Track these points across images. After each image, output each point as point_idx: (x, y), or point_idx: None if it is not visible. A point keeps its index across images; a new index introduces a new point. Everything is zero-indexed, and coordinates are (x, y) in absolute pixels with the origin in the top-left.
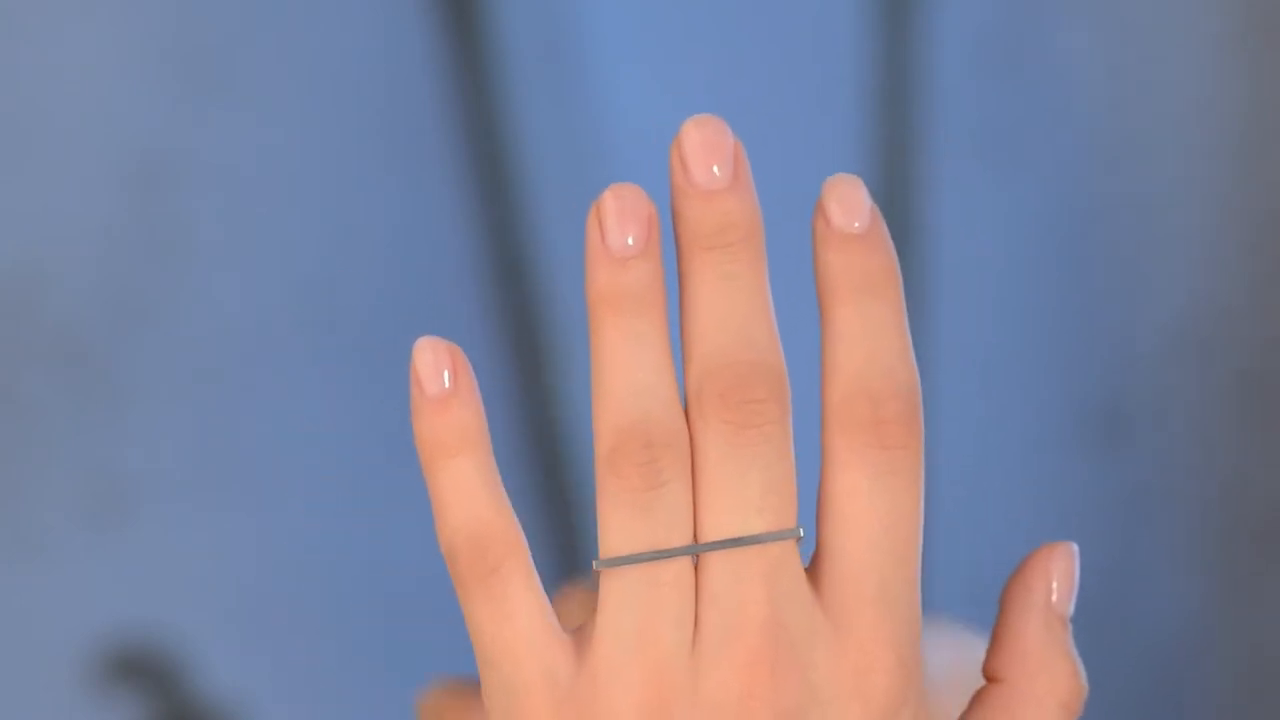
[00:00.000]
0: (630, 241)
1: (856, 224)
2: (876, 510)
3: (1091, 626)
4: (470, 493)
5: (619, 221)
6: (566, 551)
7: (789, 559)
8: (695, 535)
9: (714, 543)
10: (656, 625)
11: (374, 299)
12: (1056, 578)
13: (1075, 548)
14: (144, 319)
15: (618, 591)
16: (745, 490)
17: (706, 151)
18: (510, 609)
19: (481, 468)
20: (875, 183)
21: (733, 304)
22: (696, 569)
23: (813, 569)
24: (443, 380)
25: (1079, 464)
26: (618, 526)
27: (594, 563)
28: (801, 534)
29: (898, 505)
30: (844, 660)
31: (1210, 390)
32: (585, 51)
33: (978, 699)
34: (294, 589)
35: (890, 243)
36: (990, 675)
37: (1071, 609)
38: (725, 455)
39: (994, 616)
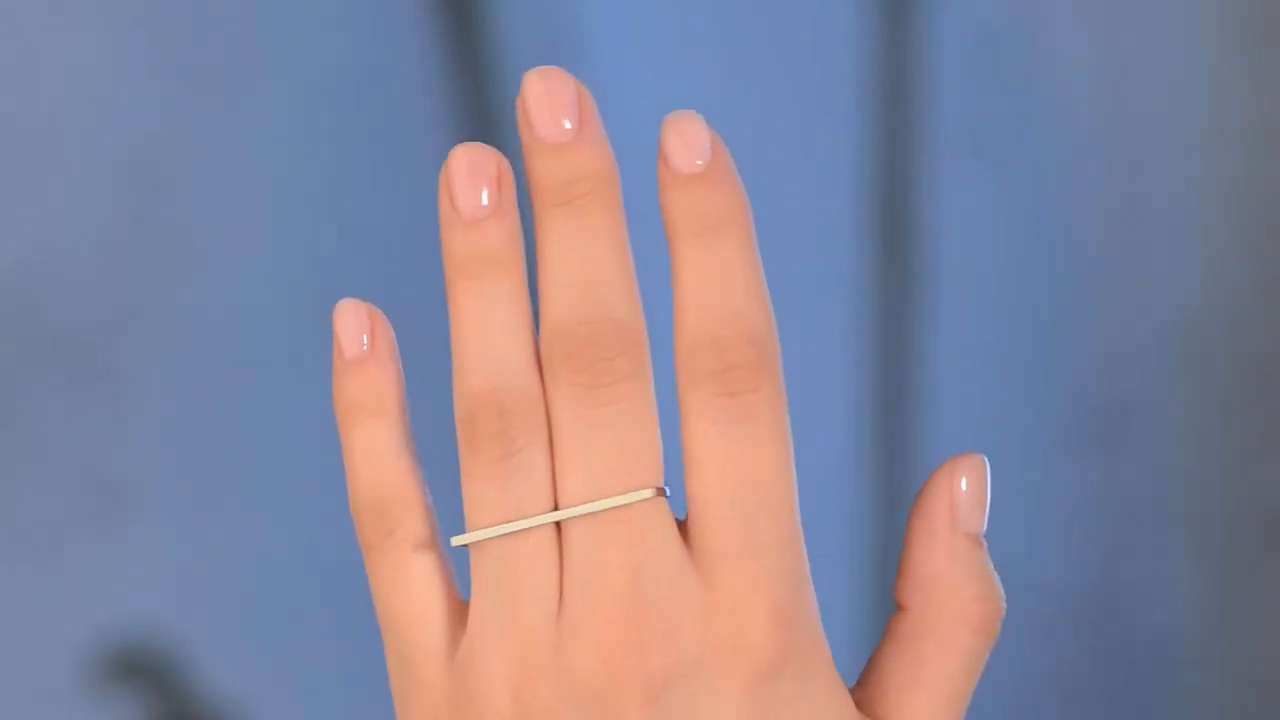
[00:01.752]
0: (483, 202)
1: (699, 162)
2: (733, 459)
3: (1091, 626)
4: (377, 456)
5: (467, 182)
6: None
7: (653, 519)
8: (555, 503)
9: (570, 510)
10: (518, 600)
11: (374, 299)
12: (960, 496)
13: (982, 459)
14: (144, 319)
15: (482, 567)
16: (599, 452)
17: (550, 103)
18: (405, 576)
19: (392, 432)
20: (875, 183)
21: (581, 261)
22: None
23: (685, 527)
24: (361, 343)
25: (1079, 464)
26: (475, 499)
27: (451, 540)
28: (668, 493)
29: (755, 451)
30: (716, 619)
31: (1210, 390)
32: (585, 51)
33: (889, 629)
34: (293, 589)
35: (734, 176)
36: (900, 604)
37: (982, 524)
38: (577, 418)
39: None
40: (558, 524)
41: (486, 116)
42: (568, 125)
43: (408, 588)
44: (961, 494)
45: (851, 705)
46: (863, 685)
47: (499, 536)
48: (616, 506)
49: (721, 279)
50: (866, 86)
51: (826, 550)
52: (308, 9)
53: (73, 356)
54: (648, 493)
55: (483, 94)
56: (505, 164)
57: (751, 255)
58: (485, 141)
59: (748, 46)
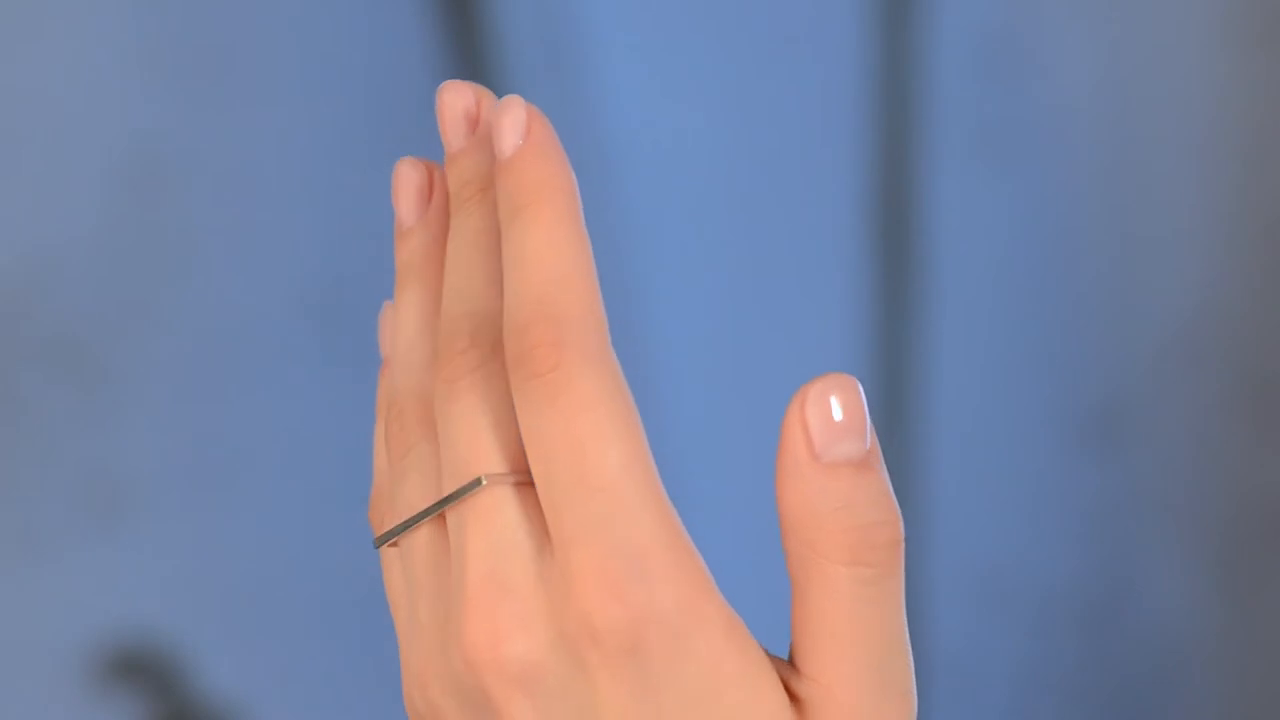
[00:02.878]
0: (409, 214)
1: (518, 142)
2: (547, 440)
3: (1092, 626)
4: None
5: (396, 196)
6: None
7: (501, 507)
8: None
9: (437, 504)
10: (417, 598)
11: (374, 298)
12: (819, 421)
13: (845, 377)
14: (144, 319)
15: (388, 571)
16: (455, 443)
17: (448, 116)
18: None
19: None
20: (875, 183)
21: (456, 263)
22: None
23: None
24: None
25: (1079, 464)
26: (390, 500)
27: (374, 542)
28: (512, 478)
29: (567, 432)
30: (563, 603)
31: (1210, 390)
32: (585, 51)
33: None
34: (293, 588)
35: (545, 152)
36: (783, 549)
37: (852, 448)
38: (440, 412)
39: (995, 618)
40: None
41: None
42: (464, 135)
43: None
44: (816, 420)
45: (757, 661)
46: (792, 644)
47: (401, 534)
48: (462, 496)
49: (523, 262)
50: (867, 88)
51: None
52: (308, 10)
53: (73, 356)
54: (479, 481)
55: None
56: (439, 173)
57: (554, 230)
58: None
59: (748, 47)
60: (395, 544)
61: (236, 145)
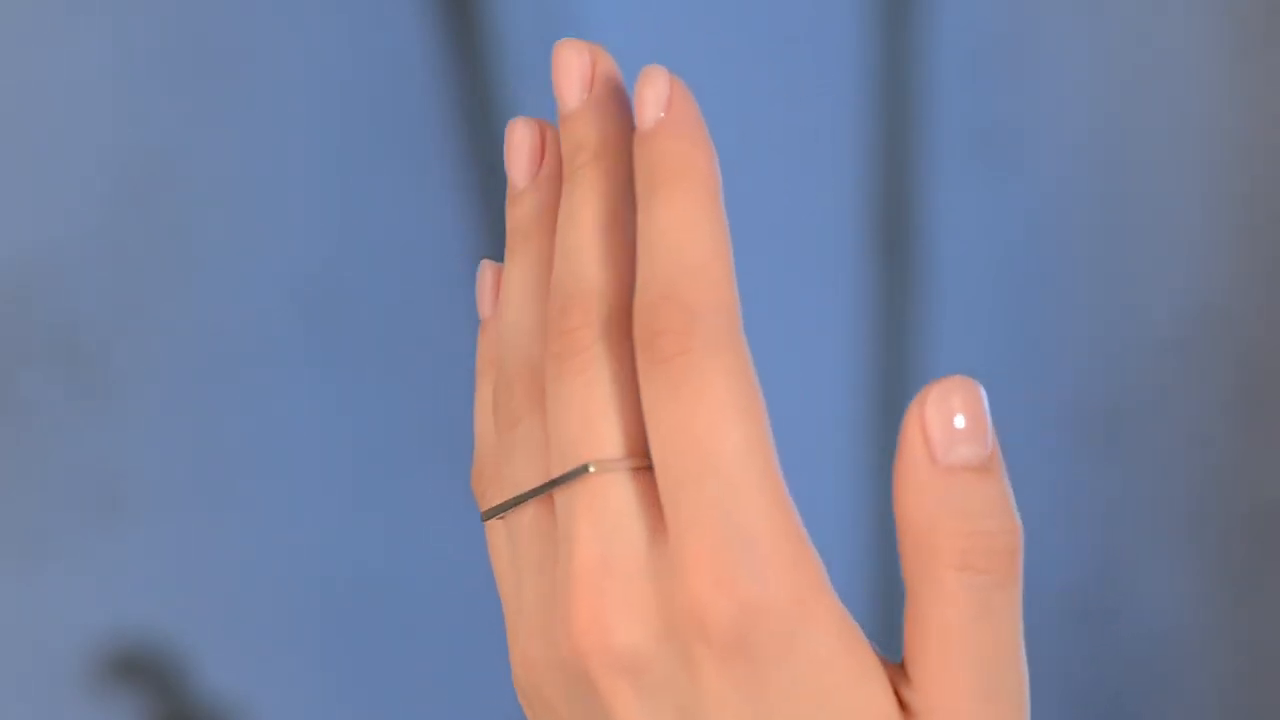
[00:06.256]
0: (521, 177)
1: (660, 114)
2: (670, 426)
3: (1091, 626)
4: (480, 419)
5: (509, 157)
6: None
7: (613, 493)
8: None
9: (545, 484)
10: (519, 577)
11: (374, 299)
12: (938, 425)
13: (965, 380)
14: (144, 319)
15: (494, 543)
16: (567, 423)
17: (563, 76)
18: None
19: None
20: (875, 183)
21: (568, 233)
22: None
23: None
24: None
25: (1079, 464)
26: (494, 473)
27: (481, 515)
28: (626, 463)
29: (696, 414)
30: (674, 592)
31: (1208, 390)
32: None
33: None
34: (293, 589)
35: (686, 126)
36: (900, 555)
37: (974, 452)
38: (552, 391)
39: None
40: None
41: (487, 117)
42: (580, 98)
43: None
44: (935, 424)
45: (867, 661)
46: (905, 650)
47: (508, 511)
48: (572, 479)
49: (657, 242)
50: (867, 88)
51: (827, 550)
52: (308, 10)
53: (73, 356)
54: (586, 468)
55: (482, 95)
56: (551, 133)
57: (692, 209)
58: (485, 139)
59: (748, 47)
60: (503, 517)
61: (236, 145)
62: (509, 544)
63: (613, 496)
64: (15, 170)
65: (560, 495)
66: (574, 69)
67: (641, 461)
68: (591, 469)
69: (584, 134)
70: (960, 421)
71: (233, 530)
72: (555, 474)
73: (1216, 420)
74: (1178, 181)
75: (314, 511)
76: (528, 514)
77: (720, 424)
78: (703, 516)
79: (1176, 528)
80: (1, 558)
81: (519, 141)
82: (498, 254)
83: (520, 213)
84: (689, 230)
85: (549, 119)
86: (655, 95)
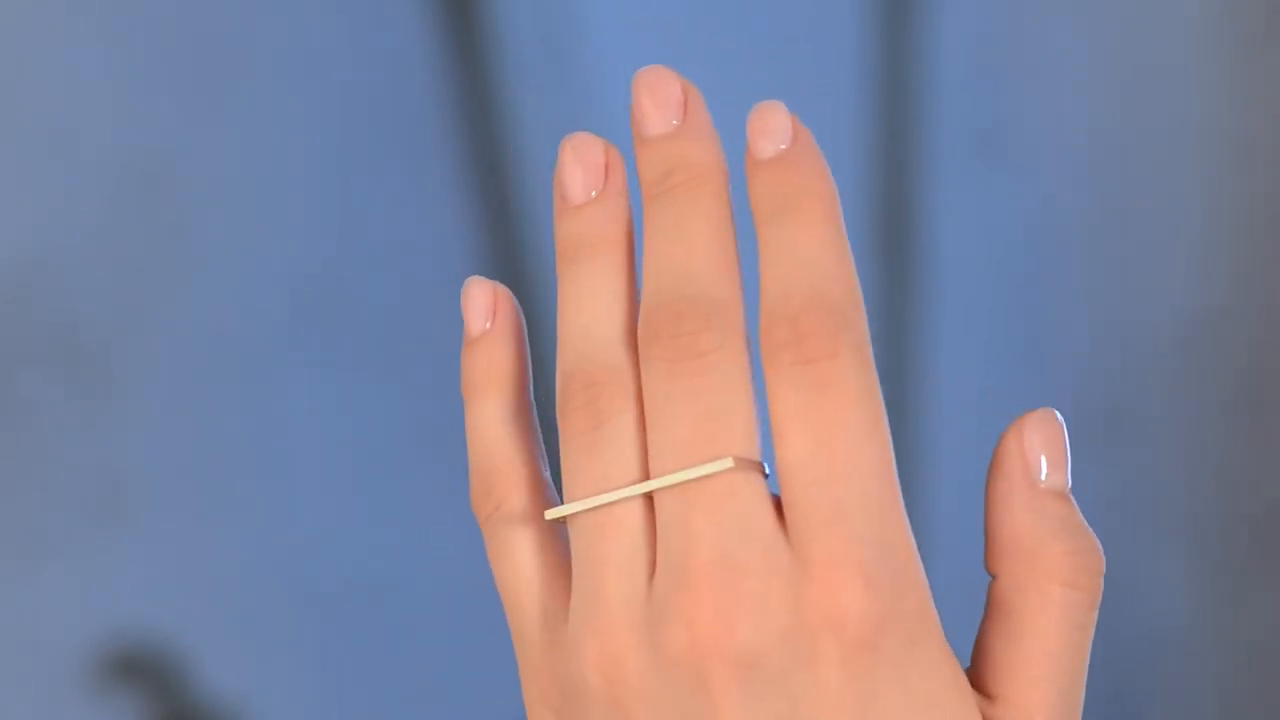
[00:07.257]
0: (586, 189)
1: (782, 145)
2: (812, 426)
3: None
4: (488, 431)
5: (573, 171)
6: None
7: (740, 490)
8: (646, 476)
9: (654, 481)
10: (606, 576)
11: (374, 299)
12: (1036, 451)
13: (1055, 413)
14: (144, 319)
15: (575, 540)
16: (681, 423)
17: (652, 102)
18: (509, 550)
19: (505, 407)
20: (875, 182)
21: (674, 244)
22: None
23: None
24: (484, 321)
25: (1079, 464)
26: (569, 473)
27: (545, 514)
28: (762, 465)
29: (834, 419)
30: (806, 590)
31: (1209, 390)
32: (585, 51)
33: (987, 600)
34: (293, 589)
35: (809, 159)
36: (990, 571)
37: (1063, 481)
38: (663, 392)
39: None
40: (650, 498)
41: (486, 117)
42: (674, 122)
43: (512, 562)
44: (1034, 450)
45: (962, 677)
46: (973, 665)
47: (589, 510)
48: (698, 477)
49: (793, 255)
50: (867, 88)
51: None
52: (308, 10)
53: (73, 356)
54: (727, 462)
55: (482, 95)
56: (614, 153)
57: (826, 231)
58: (485, 139)
59: (748, 47)
60: (563, 519)
61: (236, 146)
62: (575, 541)
63: (737, 494)
64: (15, 170)
65: (672, 493)
66: (670, 95)
67: (759, 463)
68: (715, 467)
69: (682, 155)
70: (1050, 450)
71: (233, 530)
72: (664, 472)
73: (1216, 420)
74: (1178, 181)
75: (314, 511)
76: (617, 513)
77: (862, 429)
78: (844, 516)
79: (1176, 528)
80: (1, 558)
81: (584, 154)
82: (498, 253)
83: (582, 225)
84: (822, 247)
85: (549, 119)
86: (779, 125)
